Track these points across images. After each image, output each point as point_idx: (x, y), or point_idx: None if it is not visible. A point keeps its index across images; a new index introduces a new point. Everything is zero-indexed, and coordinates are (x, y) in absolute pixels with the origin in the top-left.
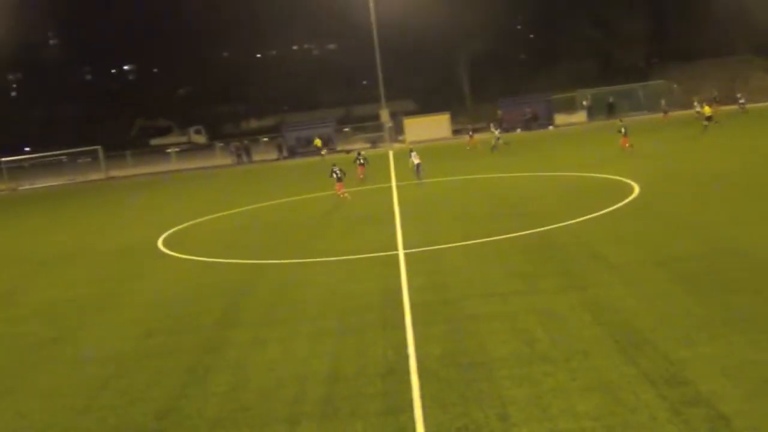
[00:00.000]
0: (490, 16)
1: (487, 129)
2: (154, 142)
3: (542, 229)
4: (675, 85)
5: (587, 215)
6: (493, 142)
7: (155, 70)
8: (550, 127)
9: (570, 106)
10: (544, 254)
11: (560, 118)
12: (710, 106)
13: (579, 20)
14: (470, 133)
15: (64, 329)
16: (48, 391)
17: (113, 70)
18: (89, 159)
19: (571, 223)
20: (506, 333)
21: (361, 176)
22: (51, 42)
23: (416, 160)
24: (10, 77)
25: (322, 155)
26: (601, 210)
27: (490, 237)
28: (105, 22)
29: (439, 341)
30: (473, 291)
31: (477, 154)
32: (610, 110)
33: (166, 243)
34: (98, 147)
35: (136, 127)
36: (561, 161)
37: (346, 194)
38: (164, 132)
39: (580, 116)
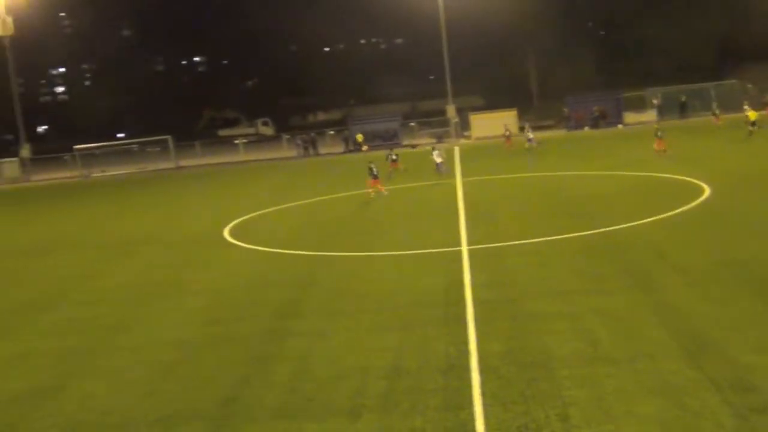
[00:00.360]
0: (560, 13)
1: (554, 126)
2: (223, 132)
3: (608, 229)
4: (749, 85)
5: (654, 216)
6: (526, 144)
7: (225, 62)
8: (620, 126)
9: (640, 105)
10: (609, 254)
11: (630, 117)
12: (758, 110)
13: (651, 18)
14: (507, 133)
15: (131, 314)
16: (114, 374)
17: (184, 62)
18: (159, 148)
19: (637, 224)
20: (569, 333)
21: (392, 173)
22: (125, 33)
23: (438, 159)
24: (84, 66)
25: (363, 151)
26: (670, 211)
27: (554, 236)
28: (177, 14)
29: (501, 339)
30: (536, 289)
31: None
32: (683, 109)
33: (232, 232)
34: (168, 137)
35: (206, 118)
36: (628, 160)
37: (383, 190)
38: (232, 123)
39: (651, 115)
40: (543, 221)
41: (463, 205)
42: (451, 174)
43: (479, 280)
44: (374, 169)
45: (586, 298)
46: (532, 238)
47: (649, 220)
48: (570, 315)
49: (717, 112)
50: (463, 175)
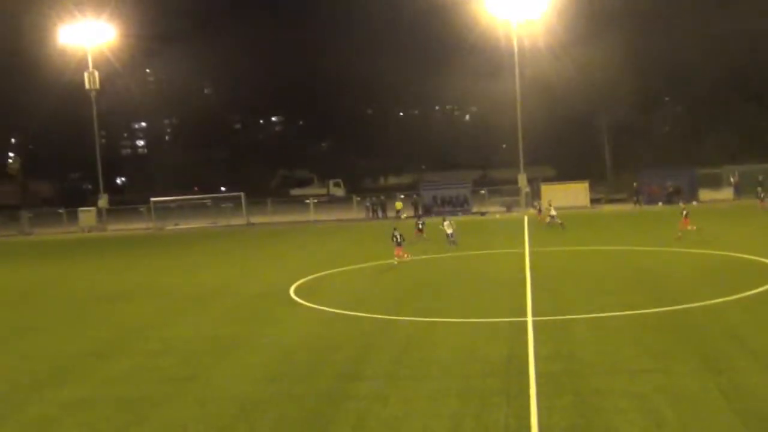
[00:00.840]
0: (637, 88)
1: (625, 200)
2: (295, 192)
3: (678, 307)
4: None
5: (727, 296)
6: (547, 219)
7: (301, 122)
8: (694, 203)
9: (716, 182)
10: (678, 333)
11: (705, 194)
12: None
13: (730, 93)
14: (536, 205)
15: (195, 367)
16: (174, 428)
17: (261, 121)
18: (232, 204)
19: (709, 303)
20: (634, 412)
21: (416, 241)
22: (205, 91)
23: (449, 230)
24: (165, 121)
25: (401, 218)
26: (743, 292)
27: (623, 311)
28: (257, 74)
29: (564, 414)
30: (602, 365)
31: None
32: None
33: (297, 291)
34: (241, 193)
35: (279, 177)
36: (700, 238)
37: (406, 256)
38: (305, 183)
39: (727, 193)
40: (612, 295)
41: (530, 275)
42: (520, 243)
43: (543, 353)
44: (398, 237)
45: (653, 377)
46: (600, 312)
47: (721, 299)
48: (636, 394)
49: (763, 196)
50: (532, 244)
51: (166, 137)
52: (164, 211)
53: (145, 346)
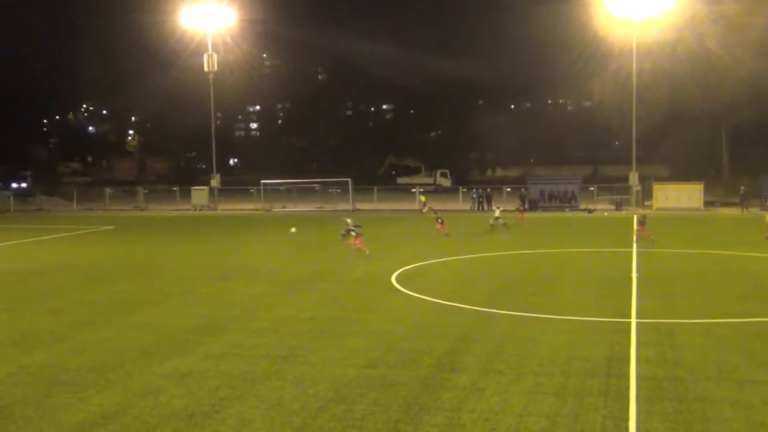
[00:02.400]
0: (759, 87)
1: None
2: (402, 180)
3: None
4: None
5: None
6: (491, 221)
7: (411, 111)
8: None
9: None
10: None
11: None
12: None
13: None
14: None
15: (295, 348)
16: (271, 405)
17: (372, 108)
18: (339, 190)
19: None
20: (739, 422)
21: (444, 231)
22: (320, 77)
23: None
24: (279, 106)
25: (423, 212)
26: None
27: (732, 318)
28: (371, 63)
29: (664, 420)
30: (707, 372)
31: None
32: None
33: (399, 279)
34: (348, 179)
35: (386, 165)
36: None
37: (364, 248)
38: (412, 172)
39: None
40: (722, 301)
41: (636, 276)
42: (629, 243)
43: (646, 356)
44: (353, 229)
45: (761, 388)
46: (709, 318)
47: None
48: (742, 404)
49: None
50: (640, 245)
51: (279, 121)
52: (273, 193)
53: (248, 325)
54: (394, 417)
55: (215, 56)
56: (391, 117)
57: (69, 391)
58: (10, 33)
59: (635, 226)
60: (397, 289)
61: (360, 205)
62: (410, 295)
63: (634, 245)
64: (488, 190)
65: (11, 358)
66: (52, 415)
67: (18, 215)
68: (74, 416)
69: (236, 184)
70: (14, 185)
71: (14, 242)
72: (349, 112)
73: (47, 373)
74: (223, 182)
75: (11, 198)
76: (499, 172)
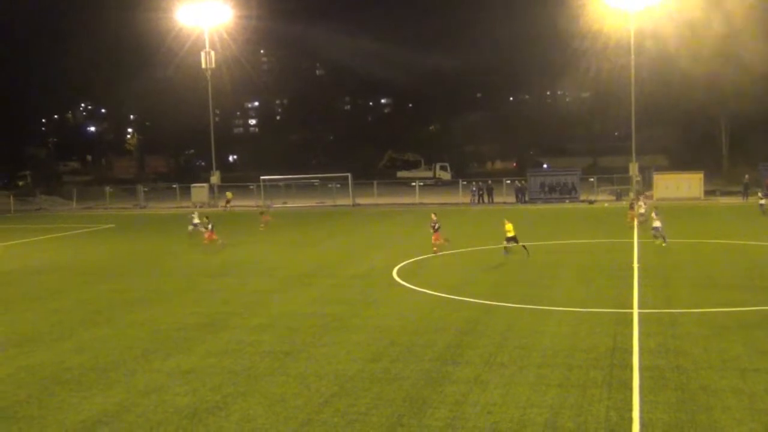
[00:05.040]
0: (758, 78)
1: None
2: (401, 174)
3: None
4: None
5: None
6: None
7: (410, 105)
8: None
9: None
10: None
11: None
12: None
13: None
14: (633, 202)
15: (297, 343)
16: (274, 400)
17: (370, 103)
18: (339, 185)
19: None
20: (742, 411)
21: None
22: (317, 72)
23: (195, 221)
24: (277, 101)
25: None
26: None
27: (736, 307)
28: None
29: (667, 410)
30: (710, 362)
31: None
32: None
33: (400, 273)
34: (348, 174)
35: (386, 159)
36: None
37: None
38: (412, 166)
39: None
40: (723, 291)
41: (638, 266)
42: (629, 234)
43: (649, 346)
44: (196, 223)
45: (763, 377)
46: (710, 308)
47: None
48: (745, 392)
49: None
50: (641, 236)
51: (277, 117)
52: (273, 189)
53: (249, 322)
54: (397, 411)
55: (212, 53)
56: (390, 111)
57: (71, 390)
58: (4, 32)
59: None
60: (398, 283)
61: (360, 200)
62: (411, 288)
63: (635, 236)
64: (489, 182)
65: (13, 358)
66: (55, 414)
67: (18, 215)
68: (77, 415)
69: (236, 181)
70: None
71: (14, 242)
72: (348, 107)
73: (49, 373)
74: (223, 179)
75: (11, 198)
76: (498, 165)
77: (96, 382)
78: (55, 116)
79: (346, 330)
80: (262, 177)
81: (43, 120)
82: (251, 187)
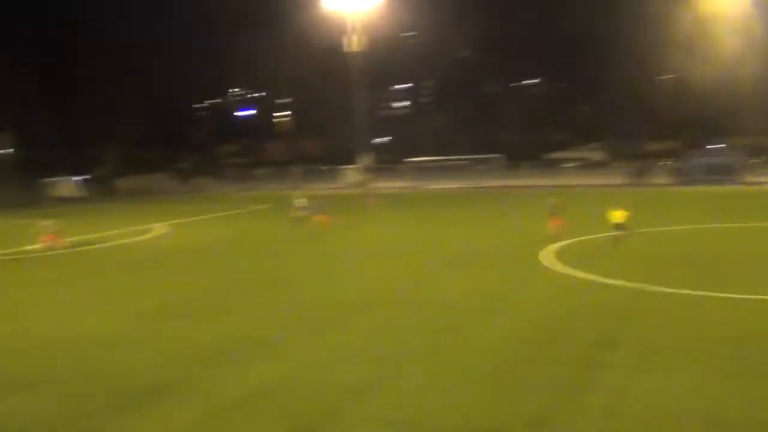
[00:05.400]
0: None
1: None
2: (553, 155)
3: None
4: None
5: None
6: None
7: (563, 85)
8: None
9: None
10: None
11: None
12: None
13: None
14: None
15: (449, 324)
16: (429, 380)
17: (521, 83)
18: (487, 166)
19: None
20: None
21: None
22: (464, 53)
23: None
24: (425, 83)
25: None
26: None
27: None
28: (515, 37)
29: None
30: None
31: None
32: None
33: (551, 256)
34: (497, 155)
35: (537, 140)
36: None
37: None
38: (563, 146)
39: None
40: None
41: None
42: None
43: None
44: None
45: None
46: None
47: None
48: None
49: None
50: None
51: (426, 99)
52: (422, 171)
53: (402, 301)
54: (554, 394)
55: (361, 36)
56: (541, 91)
57: (236, 362)
58: (165, 23)
59: None
60: (547, 267)
61: (510, 181)
62: (563, 272)
63: None
64: (645, 163)
65: (180, 331)
66: (221, 385)
67: (180, 196)
68: (242, 386)
69: (385, 163)
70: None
71: (177, 221)
72: (498, 87)
73: (213, 345)
74: (373, 161)
75: (174, 180)
76: (656, 145)
77: (259, 354)
78: (215, 101)
79: (496, 313)
80: (410, 159)
81: (204, 104)
82: (399, 168)
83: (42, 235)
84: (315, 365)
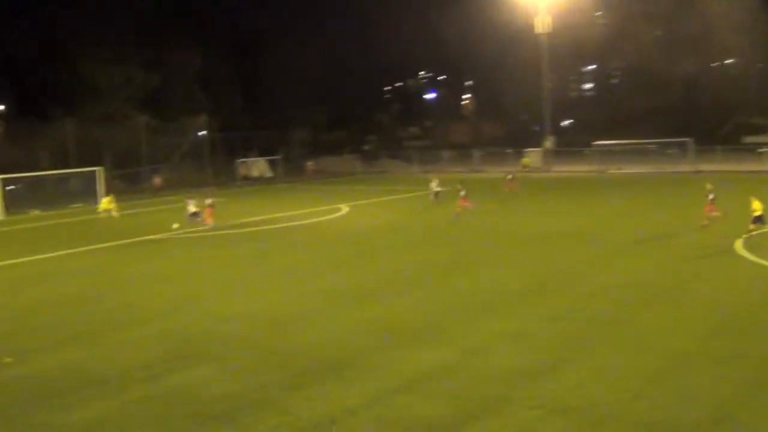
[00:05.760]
0: None
1: None
2: (748, 139)
3: None
4: None
5: None
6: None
7: (760, 65)
8: None
9: None
10: None
11: None
12: None
13: None
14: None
15: (625, 314)
16: (603, 370)
17: (715, 63)
18: (677, 150)
19: None
20: None
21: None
22: (656, 33)
23: (436, 188)
24: (615, 65)
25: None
26: None
27: None
28: (714, 14)
29: None
30: None
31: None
32: None
33: (743, 245)
34: (688, 139)
35: (731, 124)
36: None
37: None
38: (760, 130)
39: None
40: None
41: None
42: None
43: None
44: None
45: None
46: None
47: None
48: None
49: None
50: None
51: (614, 80)
52: (608, 154)
53: (576, 289)
54: (741, 392)
55: (548, 17)
56: (737, 73)
57: (409, 344)
58: (350, 8)
59: None
60: (741, 256)
61: (702, 166)
62: (757, 262)
63: None
64: None
65: (357, 311)
66: (394, 365)
67: (364, 177)
68: (415, 367)
69: (568, 146)
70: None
71: (360, 202)
72: (690, 69)
73: (389, 326)
74: (556, 144)
75: (358, 161)
76: None
77: (431, 337)
78: (398, 84)
79: (677, 303)
80: (596, 142)
81: (389, 87)
82: (585, 152)
83: (205, 211)
84: (484, 351)
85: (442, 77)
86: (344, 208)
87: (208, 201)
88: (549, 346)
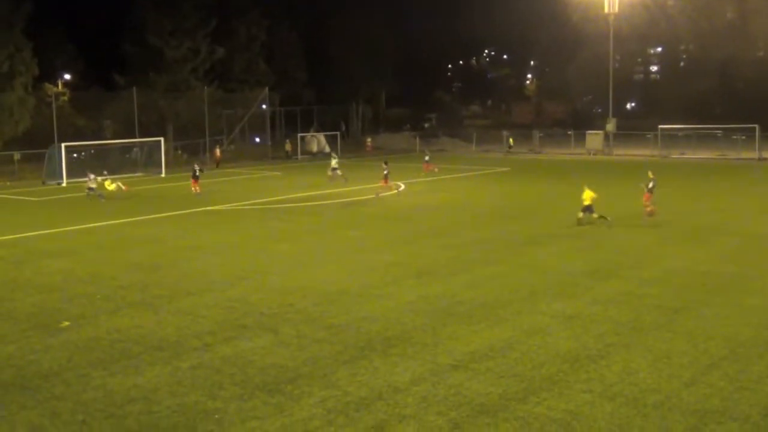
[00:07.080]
0: None
1: None
2: None
3: None
4: None
5: None
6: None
7: None
8: None
9: None
10: None
11: None
12: None
13: None
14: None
15: (686, 301)
16: (658, 356)
17: None
18: (744, 137)
19: None
20: None
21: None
22: (728, 15)
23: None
24: (682, 48)
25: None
26: None
27: None
28: None
29: None
30: None
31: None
32: None
33: None
34: (755, 126)
35: None
36: None
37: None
38: None
39: None
40: None
41: None
42: None
43: None
44: (197, 170)
45: None
46: None
47: None
48: None
49: None
50: None
51: (681, 63)
52: (671, 139)
53: (638, 273)
54: None
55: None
56: None
57: (462, 323)
58: None
59: None
60: None
61: (767, 153)
62: None
63: None
64: None
65: (412, 288)
66: (445, 343)
67: (422, 155)
68: (466, 346)
69: (631, 129)
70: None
71: (417, 180)
72: (761, 54)
73: (443, 304)
74: (618, 126)
75: (417, 139)
76: None
77: (485, 317)
78: (461, 62)
79: (742, 292)
80: (660, 126)
81: (450, 66)
82: (648, 136)
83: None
84: (540, 332)
85: (505, 57)
86: (401, 186)
87: (384, 171)
88: (604, 330)
